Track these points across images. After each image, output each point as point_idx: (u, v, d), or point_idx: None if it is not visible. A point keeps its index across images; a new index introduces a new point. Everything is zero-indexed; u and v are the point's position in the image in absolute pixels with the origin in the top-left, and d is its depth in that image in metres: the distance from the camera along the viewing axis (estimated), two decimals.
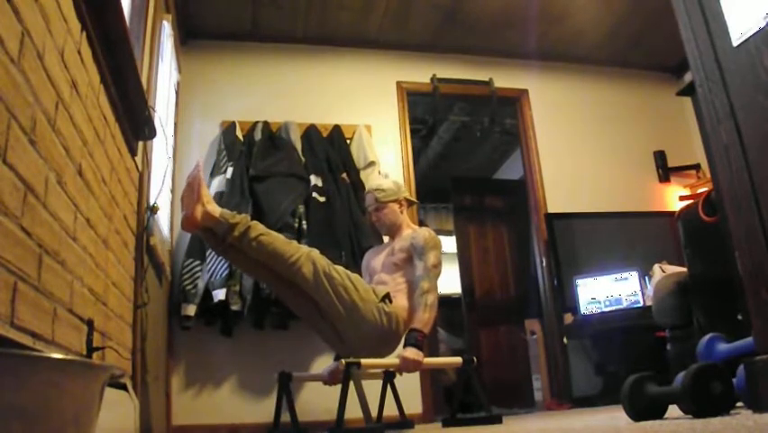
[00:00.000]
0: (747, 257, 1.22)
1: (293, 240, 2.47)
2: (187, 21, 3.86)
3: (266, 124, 3.75)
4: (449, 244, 6.13)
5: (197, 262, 3.29)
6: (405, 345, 2.34)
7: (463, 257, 4.91)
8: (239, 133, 3.68)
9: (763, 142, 1.18)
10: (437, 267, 2.52)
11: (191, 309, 3.20)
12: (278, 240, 2.34)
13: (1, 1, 1.00)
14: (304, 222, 3.43)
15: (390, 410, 2.77)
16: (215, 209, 2.32)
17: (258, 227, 2.33)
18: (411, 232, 2.65)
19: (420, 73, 4.32)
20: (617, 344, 3.53)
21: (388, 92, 4.24)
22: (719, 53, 1.28)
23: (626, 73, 4.78)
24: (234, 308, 3.22)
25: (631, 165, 4.54)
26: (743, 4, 1.22)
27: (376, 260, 2.74)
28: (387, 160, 4.01)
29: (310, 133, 3.79)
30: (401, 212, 2.73)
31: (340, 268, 2.42)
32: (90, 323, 1.52)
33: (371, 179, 3.65)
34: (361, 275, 2.66)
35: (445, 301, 5.66)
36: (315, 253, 2.40)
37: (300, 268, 2.30)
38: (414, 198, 3.29)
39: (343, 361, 2.18)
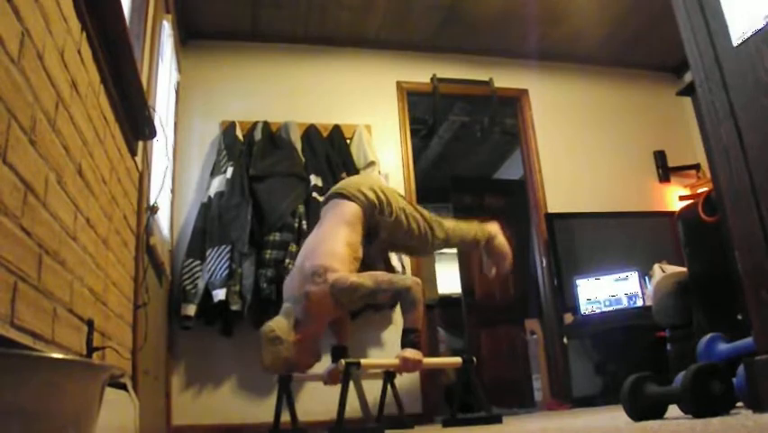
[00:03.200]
0: (747, 257, 1.22)
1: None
2: (187, 21, 3.86)
3: (266, 124, 3.75)
4: None
5: (197, 262, 3.30)
6: (402, 347, 2.32)
7: (463, 257, 4.90)
8: (239, 133, 3.68)
9: (763, 142, 1.18)
10: (355, 283, 2.23)
11: (191, 309, 3.21)
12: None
13: (1, 1, 1.00)
14: (304, 222, 3.43)
15: (390, 410, 2.77)
16: None
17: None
18: (320, 290, 2.25)
19: (420, 73, 4.32)
20: (617, 344, 3.53)
21: (388, 92, 4.24)
22: (719, 53, 1.28)
23: (626, 73, 4.78)
24: (234, 308, 3.22)
25: (631, 165, 4.54)
26: (743, 4, 1.22)
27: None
28: (387, 160, 4.01)
29: (310, 133, 3.79)
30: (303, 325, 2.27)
31: None
32: (90, 323, 1.52)
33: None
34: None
35: (445, 301, 5.69)
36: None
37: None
38: None
39: (343, 361, 2.18)
